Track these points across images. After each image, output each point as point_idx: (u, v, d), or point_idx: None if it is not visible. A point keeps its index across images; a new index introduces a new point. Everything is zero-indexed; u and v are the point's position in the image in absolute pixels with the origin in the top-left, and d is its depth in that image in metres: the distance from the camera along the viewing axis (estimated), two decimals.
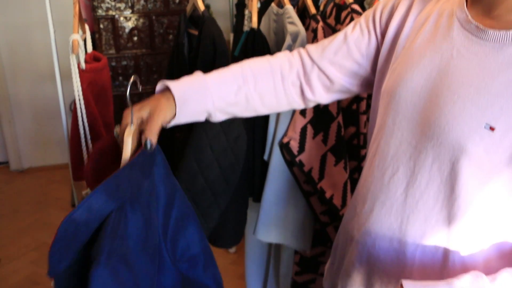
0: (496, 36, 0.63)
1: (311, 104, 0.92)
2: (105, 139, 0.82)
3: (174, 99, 0.77)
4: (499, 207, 0.65)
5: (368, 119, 1.18)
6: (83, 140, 1.18)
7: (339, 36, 0.87)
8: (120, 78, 2.96)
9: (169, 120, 0.77)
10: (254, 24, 1.33)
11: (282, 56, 0.90)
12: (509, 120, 0.61)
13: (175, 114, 0.78)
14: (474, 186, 0.65)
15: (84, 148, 1.18)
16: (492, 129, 0.61)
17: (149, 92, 2.91)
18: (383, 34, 0.82)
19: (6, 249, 2.51)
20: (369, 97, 1.34)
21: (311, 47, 0.89)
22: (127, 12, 2.84)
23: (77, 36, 1.18)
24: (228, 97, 0.83)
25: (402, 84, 0.73)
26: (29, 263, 2.40)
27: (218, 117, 0.85)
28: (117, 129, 0.76)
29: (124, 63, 2.93)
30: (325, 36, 1.25)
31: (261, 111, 0.89)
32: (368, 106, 1.35)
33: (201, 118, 0.83)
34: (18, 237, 2.63)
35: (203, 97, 0.81)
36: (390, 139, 0.75)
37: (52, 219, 2.83)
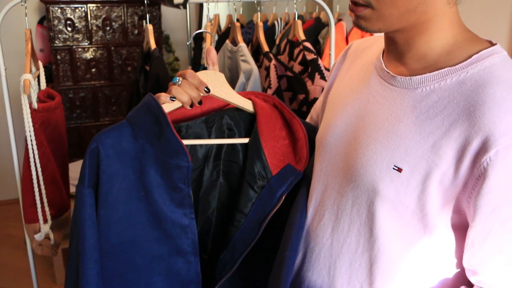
0: (402, 82, 0.67)
1: None
2: None
3: None
4: (417, 248, 0.66)
5: None
6: (35, 181, 1.14)
7: None
8: (78, 110, 2.91)
9: None
10: None
11: None
12: (413, 161, 0.62)
13: None
14: (390, 228, 0.66)
15: (36, 190, 1.15)
16: (399, 170, 0.63)
17: (107, 124, 2.86)
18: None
19: None
20: None
21: None
22: (85, 43, 2.82)
23: (29, 76, 1.16)
24: None
25: (328, 130, 0.76)
26: None
27: None
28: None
29: (82, 94, 2.89)
30: (277, 73, 1.29)
31: None
32: None
33: None
34: None
35: None
36: (317, 185, 0.77)
37: (4, 259, 2.68)
